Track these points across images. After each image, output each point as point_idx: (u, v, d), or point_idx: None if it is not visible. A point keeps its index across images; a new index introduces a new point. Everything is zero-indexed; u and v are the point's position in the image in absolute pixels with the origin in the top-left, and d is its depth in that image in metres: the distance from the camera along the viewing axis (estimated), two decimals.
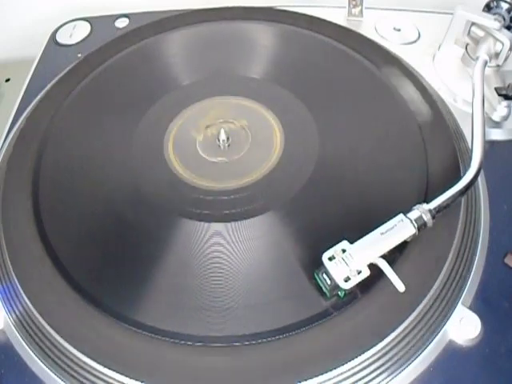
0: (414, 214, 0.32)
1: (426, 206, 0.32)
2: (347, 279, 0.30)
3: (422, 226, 0.32)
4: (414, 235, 0.32)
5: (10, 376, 0.32)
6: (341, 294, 0.31)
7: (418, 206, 0.32)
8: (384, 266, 0.30)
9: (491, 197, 0.38)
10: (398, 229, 0.32)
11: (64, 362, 0.31)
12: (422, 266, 0.32)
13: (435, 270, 0.32)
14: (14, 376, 0.32)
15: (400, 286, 0.30)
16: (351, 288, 0.30)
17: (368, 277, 0.31)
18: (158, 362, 0.30)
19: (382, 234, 0.31)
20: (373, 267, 0.31)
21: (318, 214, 0.36)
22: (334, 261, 0.31)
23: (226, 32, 0.50)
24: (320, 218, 0.36)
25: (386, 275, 0.30)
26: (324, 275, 0.31)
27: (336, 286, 0.30)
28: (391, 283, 0.30)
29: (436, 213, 0.32)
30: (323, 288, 0.31)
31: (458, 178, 0.34)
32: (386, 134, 0.41)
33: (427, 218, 0.32)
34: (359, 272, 0.30)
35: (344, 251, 0.31)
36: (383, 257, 0.31)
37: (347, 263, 0.30)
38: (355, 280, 0.30)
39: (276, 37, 0.49)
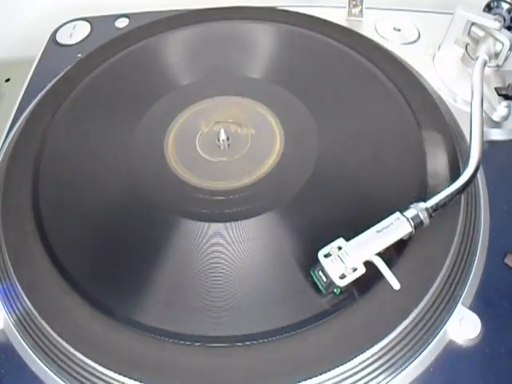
0: (411, 212, 0.32)
1: (422, 205, 0.32)
2: (343, 276, 0.30)
3: (418, 224, 0.32)
4: (411, 233, 0.32)
5: (10, 376, 0.31)
6: (337, 291, 0.31)
7: (414, 204, 0.33)
8: (379, 263, 0.30)
9: (491, 197, 0.38)
10: (395, 227, 0.32)
11: (64, 361, 0.31)
12: (421, 266, 0.32)
13: (435, 270, 0.32)
14: (14, 376, 0.32)
15: (395, 284, 0.30)
16: (347, 285, 0.30)
17: (368, 276, 0.31)
18: (158, 362, 0.30)
19: (378, 231, 0.31)
20: (372, 266, 0.31)
21: (318, 214, 0.36)
22: (329, 258, 0.31)
23: (226, 32, 0.50)
24: (320, 218, 0.36)
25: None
26: (320, 272, 0.31)
27: (331, 283, 0.31)
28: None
29: (433, 211, 0.32)
30: (319, 285, 0.32)
31: (458, 177, 0.34)
32: (386, 133, 0.41)
33: (424, 216, 0.32)
34: (355, 269, 0.30)
35: (340, 248, 0.31)
36: (380, 255, 0.31)
37: (343, 260, 0.31)
38: (351, 277, 0.30)
39: (276, 37, 0.49)
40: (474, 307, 0.32)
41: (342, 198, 0.37)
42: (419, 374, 0.30)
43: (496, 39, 0.42)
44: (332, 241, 0.32)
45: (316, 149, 0.40)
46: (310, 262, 0.32)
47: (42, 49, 0.54)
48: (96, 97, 0.46)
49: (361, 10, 0.53)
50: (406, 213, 0.32)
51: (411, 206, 0.33)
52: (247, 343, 0.30)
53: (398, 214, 0.32)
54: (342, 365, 0.29)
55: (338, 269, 0.30)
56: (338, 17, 0.52)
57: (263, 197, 0.38)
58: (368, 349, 0.29)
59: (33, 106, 0.46)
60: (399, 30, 0.52)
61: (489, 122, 0.42)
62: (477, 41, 0.44)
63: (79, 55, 0.51)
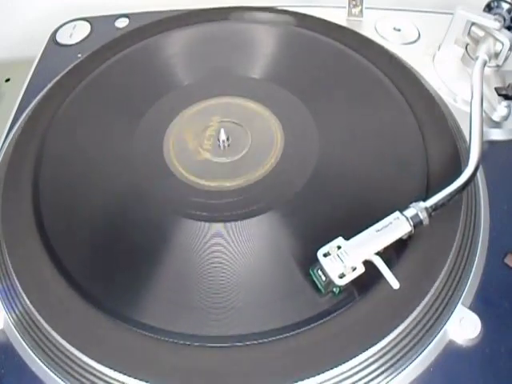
0: (410, 211, 0.32)
1: (422, 204, 0.32)
2: (342, 276, 0.30)
3: (418, 223, 0.32)
4: (410, 233, 0.32)
5: (10, 376, 0.32)
6: (336, 290, 0.31)
7: (414, 203, 0.33)
8: (379, 262, 0.30)
9: (491, 197, 0.38)
10: (394, 226, 0.32)
11: (64, 361, 0.31)
12: (422, 266, 0.32)
13: (435, 270, 0.32)
14: (14, 376, 0.32)
15: (394, 283, 0.30)
16: (346, 284, 0.30)
17: (368, 276, 0.31)
18: (157, 362, 0.30)
19: (377, 231, 0.31)
20: (371, 266, 0.31)
21: (318, 214, 0.36)
22: (328, 257, 0.31)
23: (226, 32, 0.50)
24: (320, 218, 0.36)
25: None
26: (319, 271, 0.31)
27: (331, 283, 0.31)
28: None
29: (432, 211, 0.32)
30: (318, 284, 0.32)
31: (458, 177, 0.34)
32: (386, 133, 0.41)
33: (423, 216, 0.32)
34: (354, 269, 0.30)
35: (339, 248, 0.31)
36: (379, 254, 0.31)
37: (342, 260, 0.31)
38: (350, 277, 0.30)
39: (276, 37, 0.49)
40: (474, 307, 0.32)
41: (341, 197, 0.37)
42: (419, 373, 0.30)
43: (496, 39, 0.42)
44: (331, 240, 0.32)
45: (316, 149, 0.40)
46: (309, 262, 0.32)
47: (42, 49, 0.54)
48: (96, 97, 0.46)
49: (361, 10, 0.53)
50: (405, 212, 0.32)
51: (411, 205, 0.33)
52: (247, 343, 0.30)
53: (397, 213, 0.32)
54: (341, 365, 0.29)
55: (337, 268, 0.30)
56: (338, 17, 0.52)
57: (263, 197, 0.38)
58: (368, 349, 0.29)
59: (33, 106, 0.46)
60: (399, 30, 0.52)
61: (489, 122, 0.42)
62: (477, 41, 0.44)
63: (79, 55, 0.51)
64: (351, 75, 0.45)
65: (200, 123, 0.43)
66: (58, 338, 0.31)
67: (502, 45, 0.42)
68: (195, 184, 0.39)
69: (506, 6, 0.45)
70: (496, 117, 0.42)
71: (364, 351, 0.29)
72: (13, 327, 0.33)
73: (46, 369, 0.31)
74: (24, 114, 0.46)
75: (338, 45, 0.47)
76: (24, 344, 0.33)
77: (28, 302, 0.33)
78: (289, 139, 0.41)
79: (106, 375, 0.30)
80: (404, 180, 0.37)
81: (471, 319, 0.32)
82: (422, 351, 0.31)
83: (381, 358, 0.30)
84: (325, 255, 0.31)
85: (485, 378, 0.30)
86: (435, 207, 0.32)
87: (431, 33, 0.50)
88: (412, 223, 0.32)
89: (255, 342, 0.30)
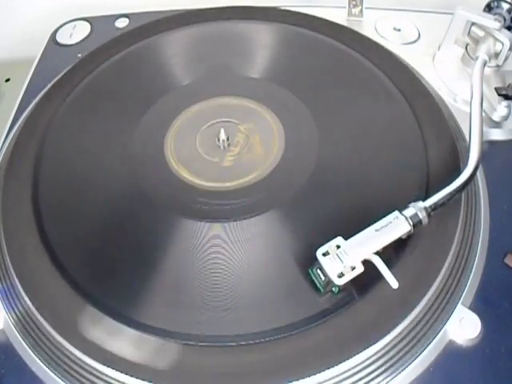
0: (410, 211, 0.32)
1: (421, 204, 0.32)
2: (341, 275, 0.30)
3: (417, 223, 0.32)
4: (410, 232, 0.32)
5: (10, 376, 0.32)
6: (335, 290, 0.31)
7: (413, 203, 0.33)
8: (378, 262, 0.30)
9: (491, 197, 0.38)
10: (393, 226, 0.32)
11: (64, 361, 0.31)
12: (421, 266, 0.32)
13: (435, 270, 0.32)
14: (14, 376, 0.32)
15: (393, 283, 0.30)
16: (345, 284, 0.30)
17: (367, 276, 0.31)
18: (158, 362, 0.30)
19: (376, 230, 0.31)
20: (370, 266, 0.31)
21: (318, 214, 0.36)
22: (328, 256, 0.31)
23: (226, 32, 0.50)
24: (320, 218, 0.36)
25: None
26: (318, 271, 0.31)
27: (330, 282, 0.31)
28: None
29: (432, 210, 0.32)
30: (317, 284, 0.32)
31: (458, 177, 0.34)
32: (386, 133, 0.41)
33: (423, 215, 0.32)
34: (353, 268, 0.30)
35: (338, 247, 0.31)
36: (379, 254, 0.31)
37: (341, 259, 0.31)
38: (349, 276, 0.30)
39: (276, 37, 0.49)
40: (474, 307, 0.32)
41: (341, 197, 0.37)
42: (419, 373, 0.30)
43: (496, 39, 0.42)
44: (331, 239, 0.32)
45: (316, 148, 0.40)
46: (308, 261, 0.32)
47: (42, 49, 0.54)
48: (96, 97, 0.46)
49: (361, 10, 0.53)
50: (404, 212, 0.32)
51: (410, 204, 0.33)
52: (246, 343, 0.30)
53: (396, 212, 0.32)
54: (341, 364, 0.29)
55: (336, 267, 0.30)
56: (338, 17, 0.52)
57: (263, 197, 0.38)
58: (367, 348, 0.29)
59: (33, 106, 0.46)
60: (399, 30, 0.52)
61: (489, 122, 0.42)
62: (477, 41, 0.44)
63: (79, 55, 0.51)
64: (351, 75, 0.45)
65: (200, 123, 0.43)
66: (58, 337, 0.31)
67: (502, 45, 0.42)
68: (195, 184, 0.39)
69: (506, 5, 0.45)
70: (496, 117, 0.42)
71: (364, 351, 0.29)
72: (13, 327, 0.33)
73: (46, 369, 0.31)
74: (24, 114, 0.46)
75: (338, 44, 0.47)
76: (24, 344, 0.33)
77: (28, 302, 0.33)
78: (289, 139, 0.41)
79: (106, 375, 0.30)
80: (403, 179, 0.37)
81: (471, 319, 0.32)
82: (422, 351, 0.31)
83: (381, 357, 0.30)
84: (324, 255, 0.31)
85: (485, 378, 0.30)
86: (435, 207, 0.32)
87: (431, 33, 0.50)
88: (411, 223, 0.32)
89: (255, 341, 0.30)
